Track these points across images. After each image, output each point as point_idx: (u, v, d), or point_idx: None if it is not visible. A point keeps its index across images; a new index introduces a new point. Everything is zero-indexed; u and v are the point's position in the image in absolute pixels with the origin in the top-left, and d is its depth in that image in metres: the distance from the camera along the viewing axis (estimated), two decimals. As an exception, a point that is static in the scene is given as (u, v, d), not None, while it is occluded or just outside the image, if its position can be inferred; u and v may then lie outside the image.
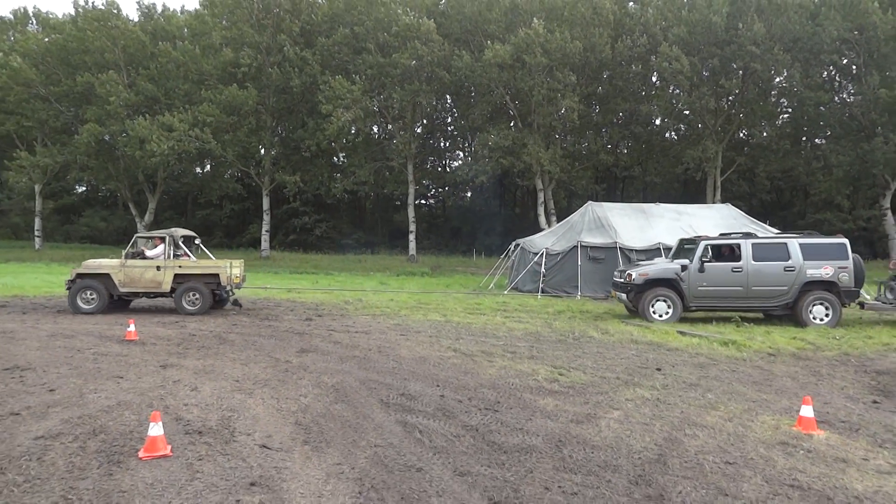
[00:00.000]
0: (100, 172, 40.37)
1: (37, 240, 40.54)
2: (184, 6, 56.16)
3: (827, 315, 12.15)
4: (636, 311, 13.02)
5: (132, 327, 9.93)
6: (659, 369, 8.00)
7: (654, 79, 36.86)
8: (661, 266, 13.15)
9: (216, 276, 13.43)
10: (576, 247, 18.84)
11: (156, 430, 4.60)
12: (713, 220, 20.06)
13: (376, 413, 5.79)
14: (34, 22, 44.07)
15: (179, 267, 13.33)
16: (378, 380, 7.12)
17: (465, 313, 13.98)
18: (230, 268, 13.57)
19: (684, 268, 12.57)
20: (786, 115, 39.40)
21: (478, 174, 36.99)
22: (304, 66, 34.02)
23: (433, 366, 8.00)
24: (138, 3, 43.61)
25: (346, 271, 28.78)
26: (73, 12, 41.06)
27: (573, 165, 36.62)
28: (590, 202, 21.61)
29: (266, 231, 37.44)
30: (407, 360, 8.30)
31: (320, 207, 44.96)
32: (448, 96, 40.87)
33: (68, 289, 13.21)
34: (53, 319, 12.06)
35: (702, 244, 12.71)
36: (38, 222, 41.10)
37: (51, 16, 43.55)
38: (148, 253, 13.51)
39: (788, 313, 12.51)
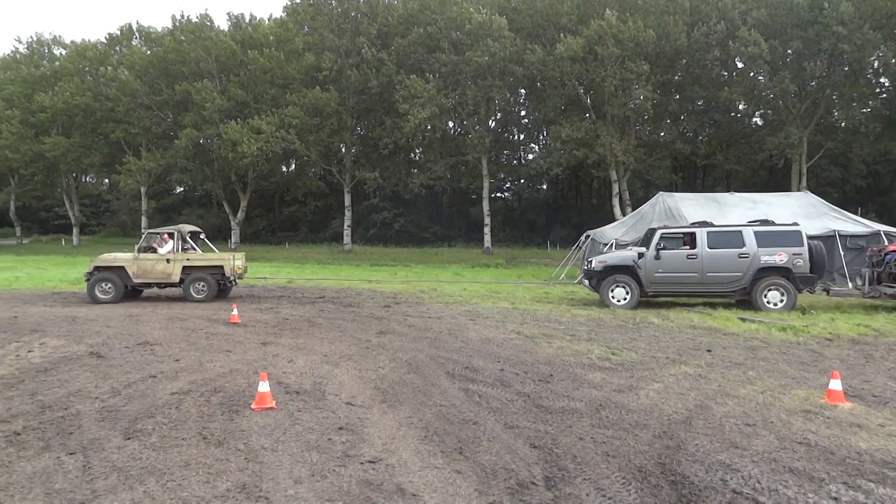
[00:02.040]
0: (197, 174, 43.55)
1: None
2: (271, 14, 59.21)
3: (782, 300, 12.59)
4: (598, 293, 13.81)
5: (235, 311, 11.35)
6: (709, 351, 8.50)
7: (736, 62, 35.85)
8: (620, 254, 14.07)
9: (220, 267, 15.03)
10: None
11: (264, 387, 5.71)
12: (790, 208, 19.71)
13: (442, 382, 6.70)
14: (137, 36, 47.88)
15: (187, 260, 14.93)
16: (446, 356, 8.04)
17: (532, 301, 14.71)
18: (233, 260, 15.19)
19: (641, 255, 13.31)
20: (883, 96, 37.26)
21: (551, 166, 37.30)
22: (381, 66, 35.49)
23: (496, 346, 8.84)
24: (228, 14, 46.65)
25: (423, 264, 30.03)
26: (171, 26, 44.42)
27: (649, 155, 36.31)
28: (661, 193, 21.69)
29: (348, 226, 39.34)
30: (473, 341, 9.18)
31: (399, 202, 46.53)
32: (521, 90, 41.34)
33: (87, 280, 14.82)
34: (167, 306, 13.78)
35: (658, 233, 13.45)
36: (143, 220, 44.87)
37: (151, 30, 47.15)
38: (159, 248, 15.07)
39: (747, 298, 12.92)
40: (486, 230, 37.49)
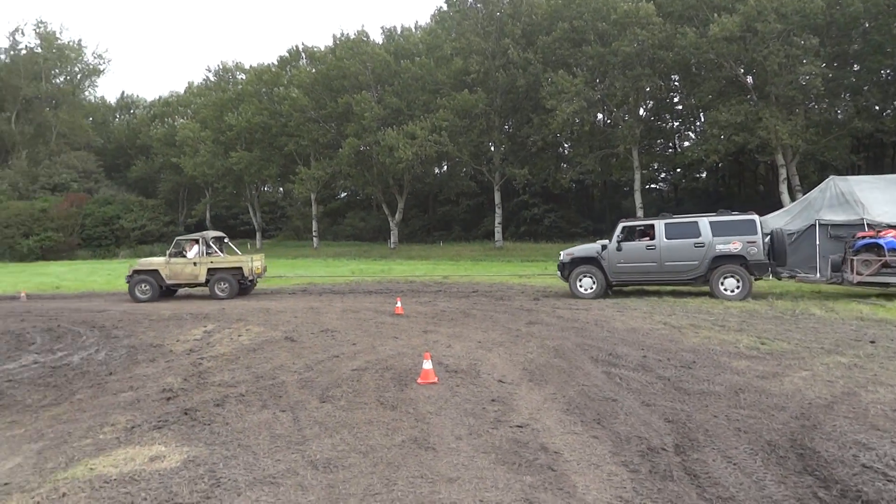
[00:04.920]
0: (358, 179, 46.99)
1: (314, 239, 48.66)
2: (416, 21, 62.06)
3: (738, 287, 13.09)
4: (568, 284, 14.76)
5: (399, 304, 12.65)
6: (872, 342, 8.15)
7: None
8: (585, 246, 15.22)
9: (240, 268, 16.70)
10: (813, 225, 17.85)
11: (427, 365, 6.65)
12: None
13: (586, 365, 7.24)
14: (304, 57, 52.64)
15: (211, 262, 16.67)
16: (591, 344, 8.52)
17: (682, 293, 14.55)
18: (251, 261, 16.84)
19: (604, 247, 14.19)
20: None
21: (708, 154, 35.49)
22: (528, 65, 36.03)
23: (642, 335, 9.14)
24: (382, 27, 49.78)
25: (573, 258, 30.12)
26: (332, 44, 48.34)
27: (823, 136, 33.25)
28: (832, 177, 19.96)
29: (498, 223, 40.38)
30: (619, 331, 9.55)
31: (549, 198, 46.74)
32: (673, 76, 39.72)
33: (128, 282, 16.86)
34: (340, 300, 15.53)
35: (619, 225, 14.31)
36: (314, 225, 49.29)
37: (316, 50, 51.61)
38: (187, 253, 16.90)
39: (706, 286, 13.50)
40: (639, 223, 36.54)
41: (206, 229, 60.06)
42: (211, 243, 17.33)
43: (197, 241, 17.29)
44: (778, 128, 29.47)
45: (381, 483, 4.02)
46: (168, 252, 17.39)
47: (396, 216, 45.41)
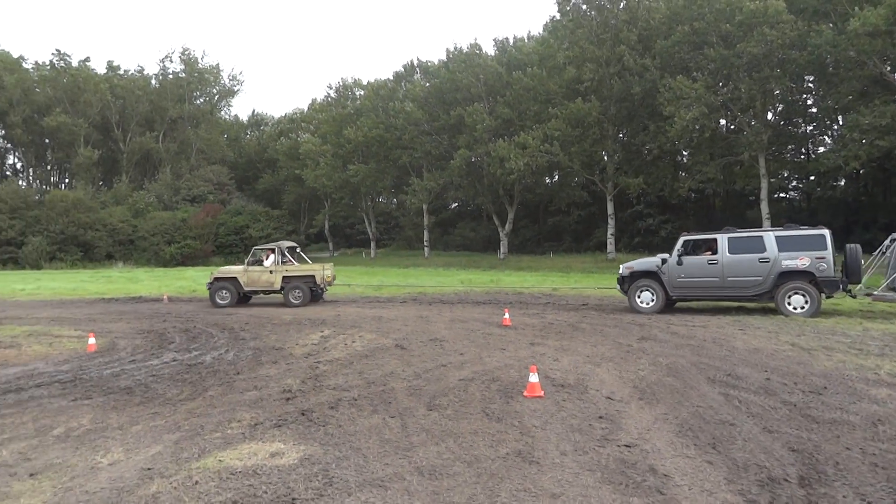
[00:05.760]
0: (469, 190, 47.58)
1: (425, 249, 49.75)
2: (528, 31, 62.00)
3: (805, 304, 12.60)
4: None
5: (507, 315, 12.66)
6: None
7: None
8: (645, 260, 14.98)
9: (313, 276, 17.28)
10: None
11: (534, 378, 6.62)
12: None
13: (702, 386, 6.89)
14: (418, 71, 54.20)
15: (286, 271, 17.31)
16: (708, 363, 8.10)
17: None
18: (323, 270, 17.58)
19: (664, 261, 13.98)
20: None
21: (847, 160, 32.59)
22: (644, 72, 34.91)
23: (766, 356, 8.56)
24: (494, 39, 50.20)
25: (691, 271, 28.69)
26: (445, 58, 49.40)
27: None
28: None
29: (611, 234, 39.30)
30: (740, 350, 9.00)
31: (665, 208, 44.88)
32: (806, 77, 36.91)
33: (209, 288, 17.77)
34: (449, 309, 15.78)
35: (680, 239, 14.06)
36: (426, 235, 50.40)
37: (429, 64, 52.96)
38: (264, 262, 17.63)
39: (771, 303, 13.03)
40: (765, 235, 34.16)
41: (326, 239, 63.27)
42: (286, 252, 18.20)
43: (273, 251, 18.14)
44: (931, 130, 26.57)
45: (485, 494, 4.06)
46: (246, 261, 18.38)
47: (506, 227, 45.45)
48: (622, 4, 37.02)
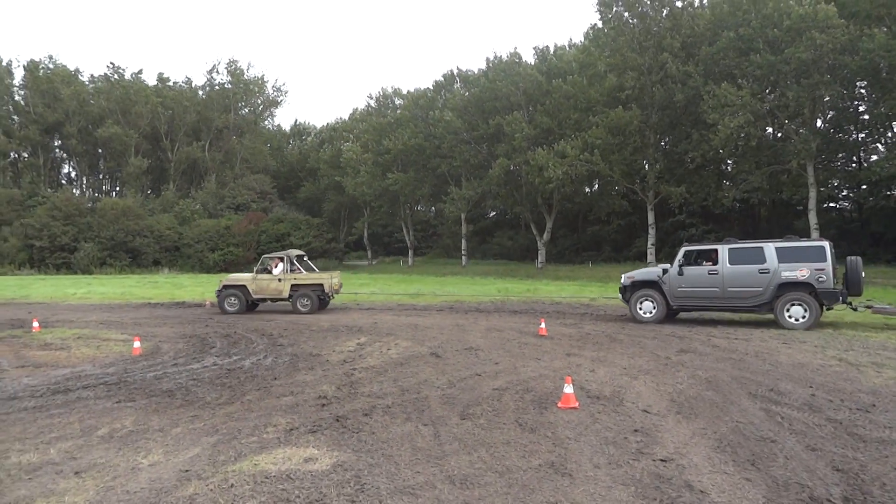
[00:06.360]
0: (507, 199, 47.46)
1: (463, 257, 49.77)
2: (570, 39, 61.66)
3: (804, 316, 12.54)
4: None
5: (543, 325, 12.56)
6: None
7: None
8: (646, 270, 15.17)
9: (321, 285, 17.41)
10: None
11: (568, 389, 6.55)
12: None
13: (742, 401, 6.71)
14: (458, 81, 54.45)
15: (294, 279, 17.41)
16: (749, 378, 7.88)
17: (865, 328, 12.96)
18: (331, 278, 17.74)
19: (665, 271, 14.05)
20: None
21: (902, 169, 31.42)
22: (687, 79, 34.33)
23: (811, 371, 8.28)
24: (534, 48, 50.06)
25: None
26: (485, 67, 49.50)
27: None
28: None
29: (652, 244, 38.64)
30: (783, 365, 8.73)
31: (708, 218, 43.92)
32: (858, 83, 35.73)
33: (217, 295, 17.87)
34: (485, 318, 15.74)
35: (682, 250, 14.16)
36: (463, 243, 50.43)
37: (469, 73, 53.15)
38: (273, 270, 17.74)
39: (771, 314, 12.96)
40: (814, 246, 33.08)
41: (364, 247, 63.90)
42: (294, 261, 18.34)
43: (282, 259, 18.33)
44: None
45: (515, 505, 4.03)
46: (255, 269, 18.54)
47: (544, 236, 45.14)
48: (665, 12, 36.50)
